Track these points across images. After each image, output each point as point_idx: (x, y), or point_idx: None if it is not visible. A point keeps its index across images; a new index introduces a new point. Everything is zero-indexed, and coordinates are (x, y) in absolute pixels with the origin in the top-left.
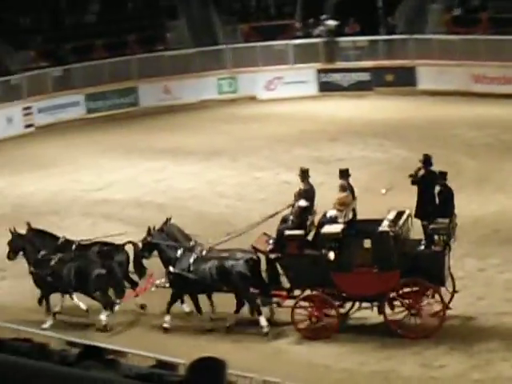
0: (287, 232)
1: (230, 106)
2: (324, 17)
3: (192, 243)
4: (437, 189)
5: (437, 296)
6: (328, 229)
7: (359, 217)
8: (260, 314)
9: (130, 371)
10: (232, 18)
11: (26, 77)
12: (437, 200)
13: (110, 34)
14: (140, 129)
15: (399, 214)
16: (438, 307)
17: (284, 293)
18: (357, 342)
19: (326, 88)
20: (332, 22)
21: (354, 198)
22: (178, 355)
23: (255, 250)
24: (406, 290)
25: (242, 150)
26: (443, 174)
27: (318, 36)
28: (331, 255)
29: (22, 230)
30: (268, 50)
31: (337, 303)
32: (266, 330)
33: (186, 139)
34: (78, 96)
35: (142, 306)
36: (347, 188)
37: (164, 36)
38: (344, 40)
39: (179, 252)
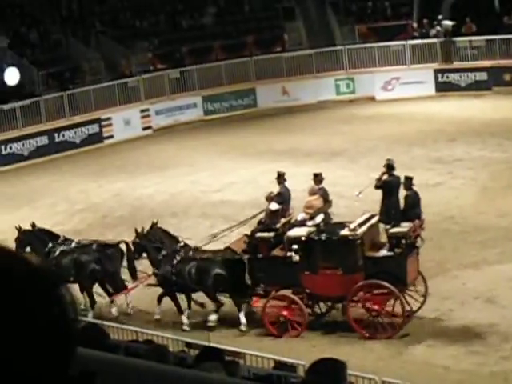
0: (258, 234)
1: (347, 106)
2: (440, 17)
3: (180, 245)
4: (403, 193)
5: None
6: (293, 232)
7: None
8: (240, 310)
9: (248, 373)
10: (349, 19)
11: (143, 79)
12: (402, 204)
13: (228, 36)
14: (258, 130)
15: (369, 218)
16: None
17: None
18: (473, 343)
19: (444, 88)
20: (449, 22)
21: (327, 201)
22: (296, 356)
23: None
24: (371, 292)
25: (361, 151)
26: (409, 179)
27: (435, 36)
28: (295, 257)
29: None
30: (385, 50)
31: (309, 303)
32: (243, 328)
33: (305, 140)
34: (196, 98)
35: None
36: (317, 192)
37: (282, 37)
38: (461, 40)
39: (162, 253)
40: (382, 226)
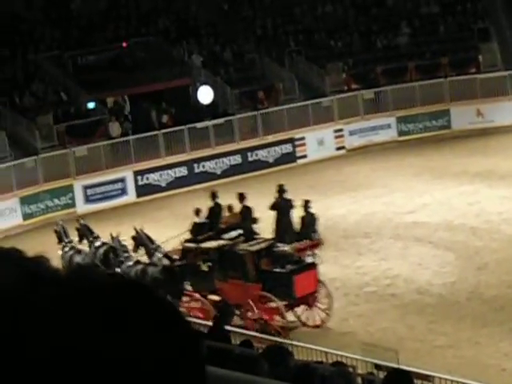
0: (184, 244)
1: None
2: None
3: (153, 247)
4: (300, 214)
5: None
6: (207, 244)
7: None
8: None
9: None
10: None
11: (337, 99)
12: (296, 224)
13: (422, 56)
14: (452, 152)
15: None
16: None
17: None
18: None
19: None
20: None
21: (248, 218)
22: (486, 380)
23: (168, 258)
24: (264, 302)
25: None
26: (307, 202)
27: None
28: (204, 266)
29: None
30: None
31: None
32: None
33: (500, 162)
34: (390, 118)
35: None
36: (233, 209)
37: (476, 58)
38: None
39: (125, 255)
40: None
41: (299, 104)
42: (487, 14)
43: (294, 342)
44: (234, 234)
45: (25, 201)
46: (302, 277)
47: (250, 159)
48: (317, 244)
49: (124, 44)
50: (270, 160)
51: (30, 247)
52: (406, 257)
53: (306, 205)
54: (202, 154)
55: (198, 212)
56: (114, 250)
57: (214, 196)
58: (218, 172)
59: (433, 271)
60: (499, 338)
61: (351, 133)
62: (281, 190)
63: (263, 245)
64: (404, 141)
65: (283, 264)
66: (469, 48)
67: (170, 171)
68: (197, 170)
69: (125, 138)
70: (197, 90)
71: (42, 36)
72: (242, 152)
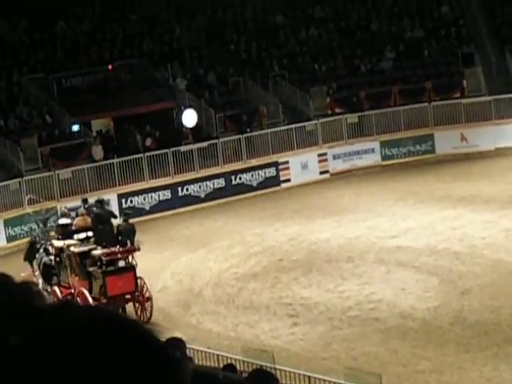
0: (52, 241)
1: None
2: None
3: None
4: (117, 223)
5: None
6: (58, 243)
7: None
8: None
9: None
10: None
11: (321, 123)
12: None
13: (406, 81)
14: (435, 176)
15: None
16: None
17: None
18: None
19: None
20: None
21: (97, 222)
22: None
23: (46, 251)
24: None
25: None
26: (127, 215)
27: None
28: (52, 262)
29: None
30: None
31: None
32: None
33: (483, 187)
34: (374, 143)
35: None
36: (85, 214)
37: (461, 83)
38: None
39: (41, 243)
40: None
41: (283, 128)
42: (471, 38)
43: (278, 366)
44: (82, 235)
45: (9, 223)
46: (114, 278)
47: (233, 183)
48: (129, 250)
49: (110, 67)
50: (254, 184)
51: (15, 270)
52: (390, 281)
53: (126, 217)
54: (185, 177)
55: (64, 215)
56: (37, 237)
57: (84, 203)
58: (202, 195)
59: (416, 296)
60: (482, 363)
61: (335, 157)
62: (100, 201)
63: (85, 248)
64: (388, 165)
65: (100, 266)
66: (453, 73)
67: (153, 194)
68: (181, 194)
69: (109, 161)
70: (181, 113)
71: (26, 58)
72: (226, 175)
